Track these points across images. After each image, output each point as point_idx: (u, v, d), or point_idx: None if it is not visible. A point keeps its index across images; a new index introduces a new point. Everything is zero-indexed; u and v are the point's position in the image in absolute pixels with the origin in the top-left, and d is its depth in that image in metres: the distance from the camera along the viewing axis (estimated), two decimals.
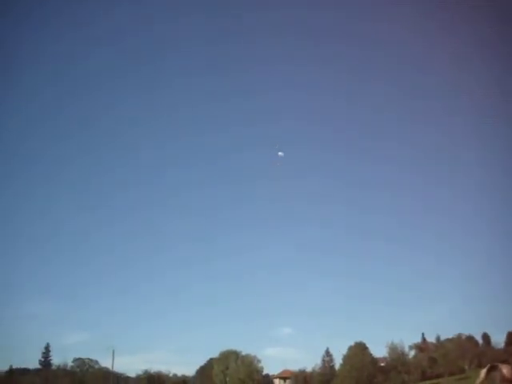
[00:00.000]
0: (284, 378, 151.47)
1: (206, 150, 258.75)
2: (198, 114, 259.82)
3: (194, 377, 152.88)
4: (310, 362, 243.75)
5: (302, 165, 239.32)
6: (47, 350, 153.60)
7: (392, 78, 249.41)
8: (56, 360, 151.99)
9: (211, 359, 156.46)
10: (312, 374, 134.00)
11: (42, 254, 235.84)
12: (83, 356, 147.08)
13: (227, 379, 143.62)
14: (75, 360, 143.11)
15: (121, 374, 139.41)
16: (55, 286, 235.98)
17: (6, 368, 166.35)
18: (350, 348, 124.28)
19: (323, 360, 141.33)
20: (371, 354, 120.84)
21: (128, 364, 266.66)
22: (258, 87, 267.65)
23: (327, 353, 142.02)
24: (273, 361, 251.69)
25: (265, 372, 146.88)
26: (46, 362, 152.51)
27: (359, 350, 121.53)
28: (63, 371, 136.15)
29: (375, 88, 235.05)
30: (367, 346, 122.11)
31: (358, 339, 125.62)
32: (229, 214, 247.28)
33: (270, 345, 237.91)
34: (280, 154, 42.02)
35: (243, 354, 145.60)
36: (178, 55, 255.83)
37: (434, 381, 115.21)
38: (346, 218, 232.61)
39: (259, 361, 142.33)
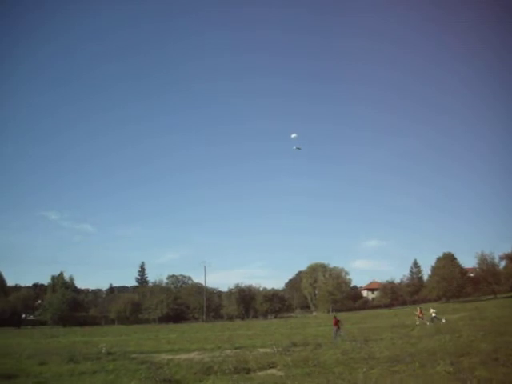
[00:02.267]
0: (372, 290, 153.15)
1: None
2: None
3: (283, 290, 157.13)
4: (397, 273, 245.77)
5: None
6: (143, 268, 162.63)
7: None
8: (151, 277, 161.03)
9: (300, 272, 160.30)
10: (400, 285, 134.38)
11: (137, 184, 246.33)
12: (177, 273, 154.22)
13: (316, 292, 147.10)
14: (169, 277, 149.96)
15: (213, 289, 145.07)
16: (149, 207, 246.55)
17: (106, 287, 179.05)
18: (439, 259, 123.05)
19: (411, 271, 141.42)
20: (460, 265, 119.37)
21: (220, 279, 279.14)
22: None
23: (415, 264, 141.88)
24: (360, 273, 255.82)
25: (353, 284, 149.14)
26: (142, 279, 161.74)
27: (448, 261, 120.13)
28: (159, 287, 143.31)
29: None
30: (456, 256, 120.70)
31: (447, 250, 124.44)
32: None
33: (358, 257, 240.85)
34: (293, 136, 40.36)
35: (331, 266, 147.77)
36: None
37: None
38: None
39: (347, 273, 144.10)
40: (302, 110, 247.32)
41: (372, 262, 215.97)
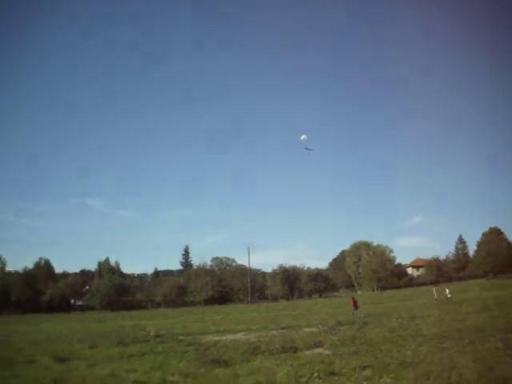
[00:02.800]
0: (417, 267, 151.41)
1: None
2: None
3: (327, 269, 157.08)
4: (442, 250, 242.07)
5: None
6: (187, 251, 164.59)
7: None
8: (195, 260, 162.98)
9: (343, 251, 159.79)
10: (445, 261, 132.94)
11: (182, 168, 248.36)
12: (220, 255, 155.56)
13: (360, 270, 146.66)
14: (213, 259, 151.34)
15: (257, 270, 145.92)
16: (191, 192, 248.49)
17: (151, 271, 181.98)
18: (485, 234, 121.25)
19: (456, 247, 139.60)
20: (507, 240, 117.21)
21: (263, 260, 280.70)
22: None
23: (460, 240, 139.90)
24: (405, 250, 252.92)
25: (397, 261, 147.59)
26: (186, 263, 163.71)
27: (494, 236, 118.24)
28: (203, 270, 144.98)
29: None
30: (503, 231, 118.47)
31: (493, 225, 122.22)
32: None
33: (402, 234, 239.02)
34: (303, 137, 40.17)
35: (375, 244, 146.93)
36: None
37: None
38: None
39: (391, 251, 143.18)
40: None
41: (416, 239, 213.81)
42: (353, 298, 44.09)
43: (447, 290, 54.29)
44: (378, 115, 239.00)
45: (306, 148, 40.57)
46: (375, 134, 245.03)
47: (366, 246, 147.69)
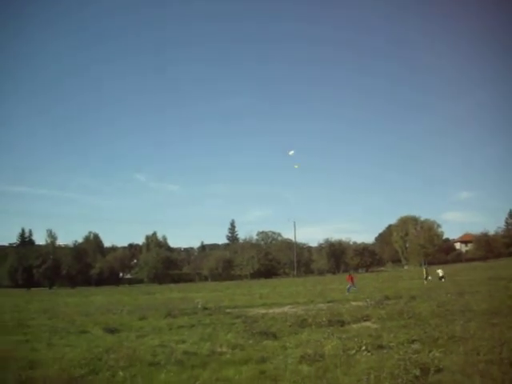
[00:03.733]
0: (465, 242, 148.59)
1: None
2: None
3: (373, 244, 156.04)
4: (491, 225, 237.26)
5: None
6: (233, 226, 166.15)
7: None
8: (241, 234, 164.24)
9: (390, 226, 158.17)
10: (495, 236, 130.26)
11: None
12: (266, 229, 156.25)
13: (407, 245, 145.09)
14: (259, 233, 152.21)
15: (303, 244, 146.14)
16: (237, 167, 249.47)
17: (198, 245, 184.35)
18: None
19: (506, 222, 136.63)
20: None
21: (309, 234, 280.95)
22: None
23: (511, 215, 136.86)
24: (453, 225, 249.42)
25: (445, 237, 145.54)
26: (232, 237, 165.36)
27: None
28: (249, 244, 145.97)
29: None
30: None
31: None
32: None
33: (450, 209, 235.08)
34: (291, 153, 40.46)
35: (422, 219, 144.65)
36: None
37: None
38: None
39: (439, 225, 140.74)
40: None
41: (464, 214, 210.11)
42: (350, 275, 50.67)
43: (439, 270, 54.69)
44: (427, 86, 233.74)
45: (296, 165, 41.31)
46: (422, 107, 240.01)
47: (414, 220, 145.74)
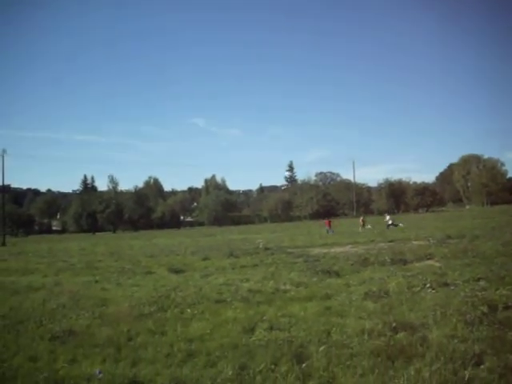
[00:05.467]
0: None
1: None
2: None
3: (434, 183, 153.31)
4: None
5: None
6: (291, 167, 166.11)
7: None
8: (300, 176, 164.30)
9: (451, 165, 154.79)
10: None
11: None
12: (325, 170, 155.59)
13: (468, 184, 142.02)
14: (318, 174, 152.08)
15: (362, 185, 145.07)
16: (295, 108, 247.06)
17: (256, 187, 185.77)
18: None
19: None
20: None
21: (368, 175, 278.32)
22: None
23: None
24: None
25: (509, 175, 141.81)
26: (291, 178, 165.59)
27: None
28: (307, 185, 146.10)
29: None
30: None
31: None
32: None
33: None
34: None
35: (485, 157, 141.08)
36: None
37: None
38: None
39: (503, 164, 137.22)
40: None
41: None
42: (328, 219, 57.53)
43: (387, 217, 57.07)
44: None
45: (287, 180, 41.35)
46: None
47: (476, 159, 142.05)
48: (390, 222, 53.21)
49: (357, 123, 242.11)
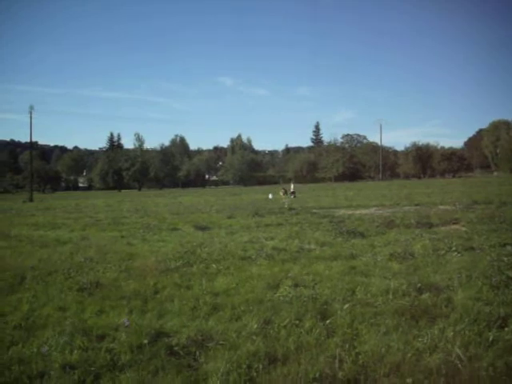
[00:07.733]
0: None
1: None
2: None
3: (462, 149, 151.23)
4: None
5: None
6: (317, 128, 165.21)
7: None
8: (326, 137, 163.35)
9: (480, 130, 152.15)
10: None
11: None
12: (351, 132, 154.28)
13: (498, 151, 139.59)
14: (344, 136, 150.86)
15: (389, 148, 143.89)
16: (322, 69, 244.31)
17: (282, 147, 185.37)
18: None
19: None
20: None
21: (395, 138, 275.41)
22: None
23: None
24: None
25: None
26: (317, 139, 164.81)
27: None
28: (333, 147, 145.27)
29: None
30: None
31: None
32: None
33: None
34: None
35: None
36: None
37: None
38: None
39: None
40: None
41: None
42: (283, 188, 59.36)
43: (292, 186, 58.61)
44: None
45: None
46: None
47: (506, 125, 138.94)
48: (292, 191, 54.16)
49: (386, 84, 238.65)
